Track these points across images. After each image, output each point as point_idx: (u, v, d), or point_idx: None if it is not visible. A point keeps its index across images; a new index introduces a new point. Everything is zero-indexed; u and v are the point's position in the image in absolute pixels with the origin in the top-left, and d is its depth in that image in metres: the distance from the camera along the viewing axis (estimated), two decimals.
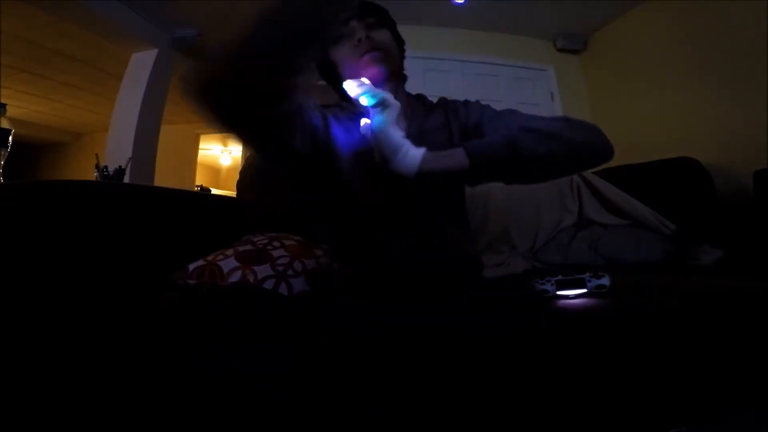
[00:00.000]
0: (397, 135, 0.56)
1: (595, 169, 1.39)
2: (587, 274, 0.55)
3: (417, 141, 0.57)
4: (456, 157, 0.56)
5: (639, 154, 1.50)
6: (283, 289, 0.69)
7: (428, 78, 2.53)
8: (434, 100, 0.82)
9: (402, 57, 0.77)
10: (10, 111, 3.93)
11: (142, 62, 2.71)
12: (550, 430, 0.41)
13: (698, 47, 1.94)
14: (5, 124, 1.03)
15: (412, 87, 0.81)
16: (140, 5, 2.47)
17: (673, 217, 1.14)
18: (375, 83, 0.60)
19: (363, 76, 0.60)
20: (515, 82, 2.72)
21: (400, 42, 0.77)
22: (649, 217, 1.14)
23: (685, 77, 2.02)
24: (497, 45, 2.73)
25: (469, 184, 0.67)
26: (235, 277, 0.69)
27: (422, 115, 0.75)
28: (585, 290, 0.53)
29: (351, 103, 0.63)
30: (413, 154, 0.55)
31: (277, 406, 0.36)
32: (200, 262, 0.72)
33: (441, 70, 2.61)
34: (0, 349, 0.39)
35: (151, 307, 0.53)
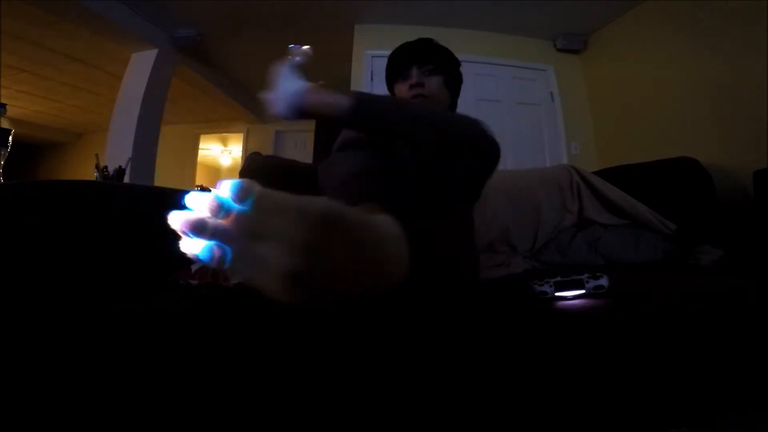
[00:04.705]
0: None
1: (595, 170, 1.39)
2: (585, 275, 0.55)
3: None
4: (340, 97, 0.56)
5: (639, 154, 1.50)
6: None
7: None
8: None
9: (455, 94, 0.85)
10: (10, 111, 3.91)
11: (142, 62, 2.72)
12: (551, 430, 0.41)
13: (698, 47, 1.94)
14: (5, 124, 1.03)
15: None
16: (140, 5, 2.47)
17: (673, 217, 1.13)
18: None
19: None
20: (515, 82, 2.70)
21: (456, 81, 0.84)
22: (649, 217, 1.13)
23: (685, 77, 2.02)
24: (497, 45, 2.72)
25: (354, 127, 0.65)
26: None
27: None
28: (583, 291, 0.54)
29: None
30: (295, 86, 0.57)
31: (277, 405, 0.36)
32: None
33: None
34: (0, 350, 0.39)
35: (152, 308, 0.53)
